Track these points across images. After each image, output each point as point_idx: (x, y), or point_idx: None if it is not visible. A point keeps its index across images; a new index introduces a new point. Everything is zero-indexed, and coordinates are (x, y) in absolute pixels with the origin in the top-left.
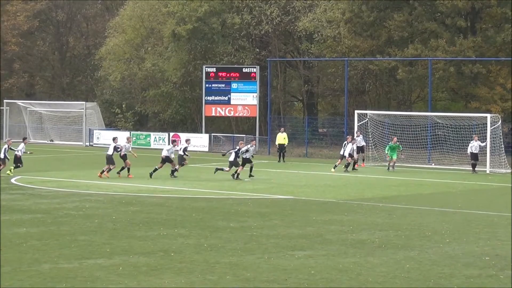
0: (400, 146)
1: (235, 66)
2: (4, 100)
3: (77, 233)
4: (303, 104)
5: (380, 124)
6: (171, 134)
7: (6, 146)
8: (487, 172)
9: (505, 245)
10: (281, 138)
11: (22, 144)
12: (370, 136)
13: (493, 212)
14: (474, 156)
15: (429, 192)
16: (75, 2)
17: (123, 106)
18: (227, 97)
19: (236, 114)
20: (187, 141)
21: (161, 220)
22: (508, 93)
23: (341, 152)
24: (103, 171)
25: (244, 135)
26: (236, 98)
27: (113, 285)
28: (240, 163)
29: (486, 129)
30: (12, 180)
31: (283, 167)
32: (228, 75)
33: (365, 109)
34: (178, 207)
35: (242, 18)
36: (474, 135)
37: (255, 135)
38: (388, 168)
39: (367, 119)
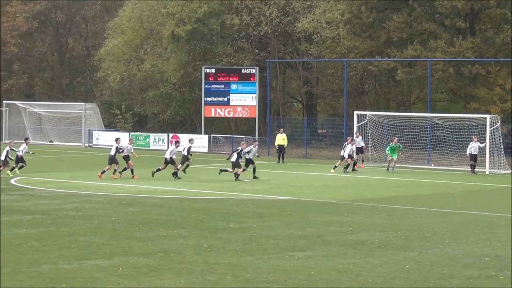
0: (400, 146)
1: (235, 67)
2: (4, 101)
3: (76, 234)
4: (302, 105)
5: (380, 125)
6: (171, 135)
7: (8, 147)
8: (487, 173)
9: (505, 245)
10: (281, 139)
11: (24, 145)
12: (369, 137)
13: (492, 213)
14: (474, 157)
15: (428, 193)
16: (74, 3)
17: (123, 107)
18: (226, 98)
19: (236, 115)
20: (191, 141)
21: (160, 221)
22: (508, 94)
23: (341, 153)
24: (103, 171)
25: (243, 136)
26: (235, 99)
27: (113, 285)
28: (244, 164)
29: (486, 130)
30: (12, 181)
31: (283, 168)
32: (227, 76)
33: (365, 110)
34: (177, 208)
35: (241, 19)
36: (473, 136)
37: (255, 136)
38: (388, 169)
39: (366, 120)
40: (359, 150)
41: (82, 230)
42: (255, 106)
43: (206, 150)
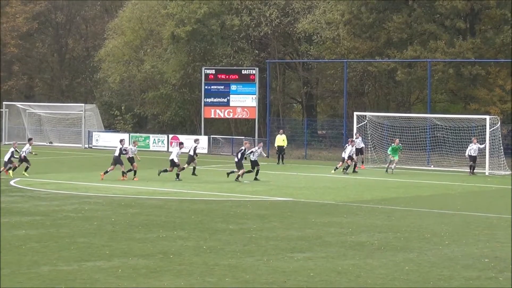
0: (401, 146)
1: (234, 68)
2: (3, 102)
3: (76, 235)
4: (302, 106)
5: (379, 126)
6: (170, 136)
7: (12, 149)
8: (486, 174)
9: (505, 247)
10: (280, 140)
11: (28, 145)
12: (369, 138)
13: (492, 214)
14: (473, 159)
15: (428, 194)
16: (74, 4)
17: (122, 108)
18: (226, 99)
19: (235, 116)
20: (196, 141)
21: (160, 222)
22: (507, 94)
23: (342, 155)
24: (106, 172)
25: (243, 137)
26: (235, 100)
27: (112, 287)
28: (250, 166)
29: (485, 131)
30: (11, 182)
31: (282, 169)
32: (227, 77)
33: (364, 111)
34: (177, 209)
35: (241, 20)
36: (473, 138)
37: (254, 137)
38: (387, 170)
39: (366, 121)
40: (359, 151)
41: (82, 232)
42: (255, 107)
43: (206, 151)
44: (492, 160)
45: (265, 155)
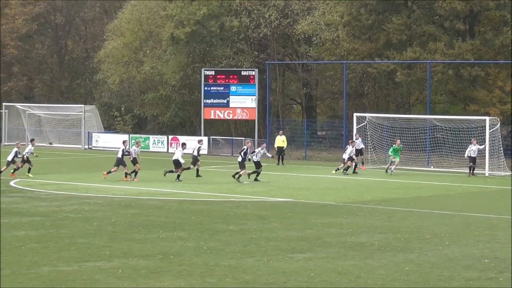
0: (401, 147)
1: (234, 69)
2: (3, 103)
3: (76, 236)
4: (302, 107)
5: (379, 127)
6: (170, 137)
7: (16, 149)
8: (486, 175)
9: (505, 247)
10: (280, 141)
11: (30, 146)
12: (369, 139)
13: (492, 214)
14: (472, 160)
15: (428, 194)
16: (73, 5)
17: (122, 109)
18: (226, 100)
19: (235, 117)
20: (200, 142)
21: (160, 223)
22: (507, 95)
23: (343, 156)
24: (109, 172)
25: (243, 138)
26: (235, 101)
27: (112, 287)
28: (255, 166)
29: (485, 132)
30: (11, 183)
31: (282, 170)
32: (226, 78)
33: (364, 112)
34: (177, 209)
35: (240, 21)
36: (472, 139)
37: (254, 138)
38: (387, 171)
39: (366, 122)
40: (359, 152)
41: (82, 232)
42: (254, 108)
43: (205, 152)
44: (492, 161)
45: (270, 156)
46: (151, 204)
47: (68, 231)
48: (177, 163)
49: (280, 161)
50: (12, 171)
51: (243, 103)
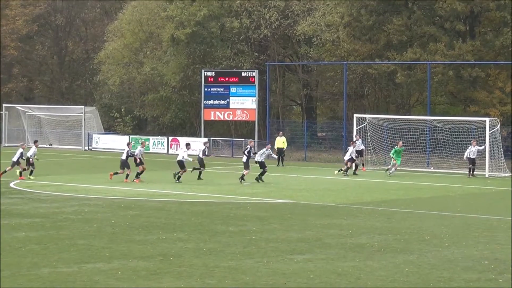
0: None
1: (234, 70)
2: (3, 105)
3: (76, 237)
4: (302, 108)
5: (379, 128)
6: (170, 138)
7: (21, 150)
8: (486, 176)
9: (504, 249)
10: (280, 142)
11: (34, 148)
12: (369, 140)
13: (492, 216)
14: (472, 161)
15: (428, 196)
16: (74, 6)
17: (122, 110)
18: (226, 101)
19: (235, 118)
20: (206, 143)
21: (160, 224)
22: (507, 97)
23: (345, 157)
24: (116, 173)
25: (243, 139)
26: (235, 102)
27: None
28: (259, 166)
29: (485, 133)
30: (11, 184)
31: (282, 171)
32: (227, 79)
33: (364, 113)
34: (177, 211)
35: (241, 22)
36: (472, 140)
37: (254, 139)
38: (387, 171)
39: (366, 123)
40: (359, 153)
41: (82, 234)
42: (254, 109)
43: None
44: (492, 162)
45: (275, 156)
46: (151, 206)
47: (68, 232)
48: (181, 164)
49: (280, 162)
50: (19, 174)
51: (243, 104)
